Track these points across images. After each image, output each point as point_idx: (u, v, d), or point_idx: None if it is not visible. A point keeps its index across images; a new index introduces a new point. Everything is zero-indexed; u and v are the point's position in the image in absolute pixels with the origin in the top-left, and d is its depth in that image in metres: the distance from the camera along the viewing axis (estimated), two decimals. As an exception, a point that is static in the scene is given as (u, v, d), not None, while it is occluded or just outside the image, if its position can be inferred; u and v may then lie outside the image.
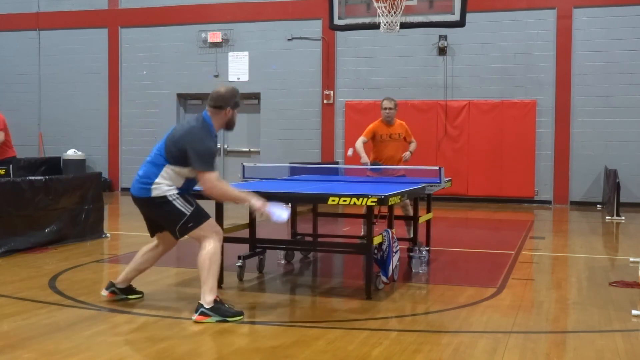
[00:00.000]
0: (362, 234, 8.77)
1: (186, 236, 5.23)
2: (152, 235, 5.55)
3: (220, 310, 5.02)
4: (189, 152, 5.11)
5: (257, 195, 5.31)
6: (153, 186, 5.18)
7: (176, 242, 5.51)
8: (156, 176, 5.18)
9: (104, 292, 5.59)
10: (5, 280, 6.46)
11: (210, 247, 5.12)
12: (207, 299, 5.02)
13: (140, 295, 5.68)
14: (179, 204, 5.17)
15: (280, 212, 5.24)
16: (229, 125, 5.43)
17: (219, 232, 5.29)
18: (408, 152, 8.77)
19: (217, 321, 4.94)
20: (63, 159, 17.26)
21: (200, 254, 5.12)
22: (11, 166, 9.97)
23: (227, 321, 4.95)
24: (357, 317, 5.27)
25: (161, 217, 5.30)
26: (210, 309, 4.99)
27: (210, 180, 5.13)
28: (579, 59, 14.81)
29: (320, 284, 6.88)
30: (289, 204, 5.77)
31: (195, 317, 4.98)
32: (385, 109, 8.80)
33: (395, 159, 8.69)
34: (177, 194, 5.19)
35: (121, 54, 17.72)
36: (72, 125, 18.00)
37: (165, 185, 5.18)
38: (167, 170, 5.18)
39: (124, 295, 5.61)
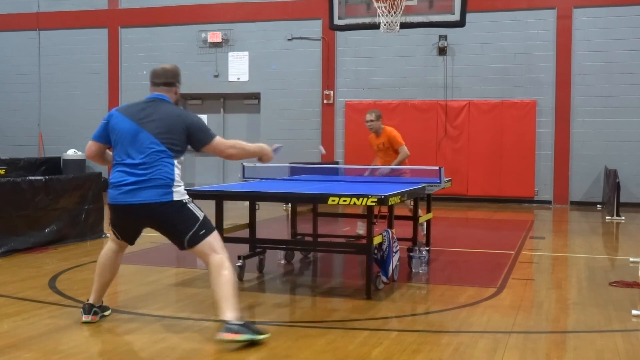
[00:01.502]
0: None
1: (193, 248, 4.72)
2: (132, 243, 5.03)
3: (251, 327, 4.51)
4: (192, 129, 4.78)
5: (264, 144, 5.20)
6: (175, 188, 4.72)
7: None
8: (173, 175, 4.73)
9: (88, 318, 4.92)
10: (5, 280, 6.46)
11: (227, 264, 4.65)
12: (234, 314, 4.51)
13: (109, 312, 5.14)
14: (193, 207, 4.77)
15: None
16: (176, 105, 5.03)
17: (224, 248, 4.80)
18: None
19: (247, 340, 4.44)
20: (63, 159, 17.24)
21: (220, 273, 4.60)
22: None
23: (255, 340, 4.46)
24: (357, 317, 5.27)
25: (172, 224, 4.73)
26: (242, 325, 4.47)
27: (224, 143, 4.91)
28: (579, 59, 14.81)
29: (320, 284, 6.88)
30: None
31: (225, 334, 4.43)
32: (367, 122, 8.98)
33: None
34: (190, 199, 4.83)
35: (121, 54, 17.72)
36: (72, 125, 17.99)
37: (181, 186, 4.80)
38: (177, 165, 4.79)
39: (101, 313, 5.05)
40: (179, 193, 4.75)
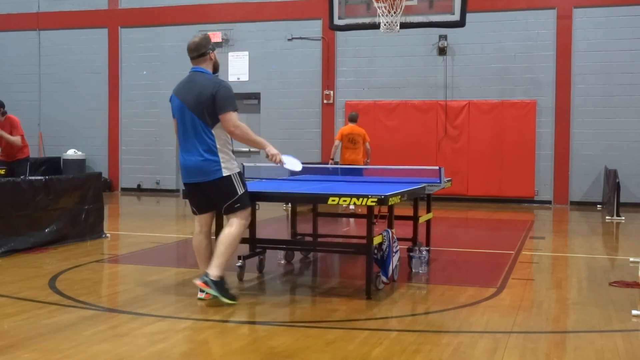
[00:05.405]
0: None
1: (229, 215, 5.45)
2: (199, 212, 5.67)
3: (221, 287, 5.29)
4: (217, 96, 5.26)
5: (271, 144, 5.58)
6: (223, 165, 5.36)
7: (213, 218, 5.74)
8: (216, 151, 5.33)
9: (197, 281, 5.45)
10: (5, 280, 6.46)
11: (238, 229, 5.41)
12: (215, 272, 5.29)
13: (234, 302, 5.41)
14: (236, 181, 5.41)
15: (295, 163, 5.60)
16: (216, 68, 5.60)
17: (249, 220, 5.63)
18: None
19: (214, 296, 5.24)
20: (63, 159, 17.27)
21: (226, 231, 5.42)
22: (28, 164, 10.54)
23: (221, 300, 5.25)
24: (357, 317, 5.27)
25: (216, 194, 5.47)
26: (213, 282, 5.26)
27: (235, 119, 5.32)
28: (579, 59, 14.81)
29: (320, 284, 6.88)
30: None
31: (198, 282, 5.30)
32: None
33: None
34: (238, 172, 5.46)
35: (121, 54, 17.72)
36: (72, 125, 18.00)
37: (229, 160, 5.37)
38: (218, 135, 5.32)
39: (217, 291, 5.33)
40: (228, 169, 5.34)
